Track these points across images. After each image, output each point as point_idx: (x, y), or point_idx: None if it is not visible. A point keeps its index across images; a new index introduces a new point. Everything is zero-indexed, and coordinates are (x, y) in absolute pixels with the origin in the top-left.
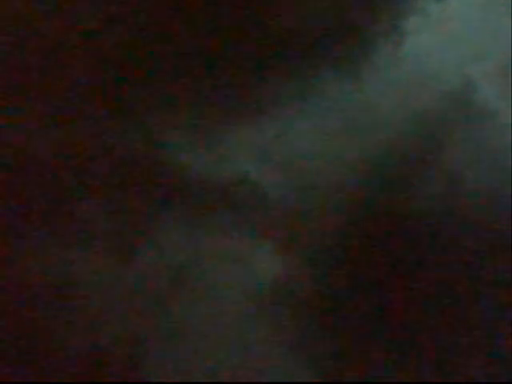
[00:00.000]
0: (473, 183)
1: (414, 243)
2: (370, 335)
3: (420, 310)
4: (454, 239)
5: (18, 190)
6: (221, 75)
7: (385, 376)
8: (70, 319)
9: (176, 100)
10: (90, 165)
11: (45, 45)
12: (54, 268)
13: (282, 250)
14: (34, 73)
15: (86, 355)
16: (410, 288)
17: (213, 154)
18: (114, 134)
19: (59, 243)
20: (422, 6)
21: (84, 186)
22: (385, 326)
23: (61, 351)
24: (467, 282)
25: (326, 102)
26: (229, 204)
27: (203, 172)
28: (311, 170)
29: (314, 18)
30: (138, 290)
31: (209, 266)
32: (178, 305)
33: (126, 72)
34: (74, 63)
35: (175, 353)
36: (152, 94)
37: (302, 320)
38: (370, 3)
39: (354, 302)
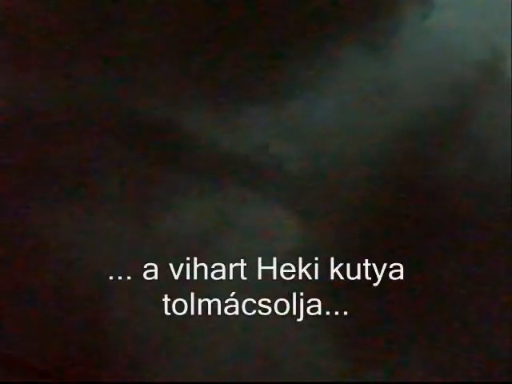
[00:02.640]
0: (498, 157)
1: (415, 239)
2: (372, 334)
3: (420, 310)
4: (455, 238)
5: (33, 152)
6: (238, 57)
7: (385, 376)
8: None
9: (189, 88)
10: (110, 137)
11: (45, 44)
12: (65, 231)
13: (299, 221)
14: (35, 73)
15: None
16: (410, 288)
17: (231, 130)
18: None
19: (74, 205)
20: None
21: (103, 156)
22: (384, 326)
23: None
24: (467, 282)
25: (352, 77)
26: (247, 176)
27: (221, 145)
28: (332, 145)
29: None
30: (155, 260)
31: (227, 236)
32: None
33: (128, 71)
34: (75, 63)
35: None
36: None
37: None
38: None
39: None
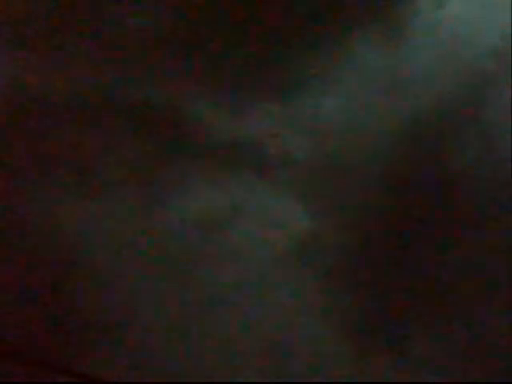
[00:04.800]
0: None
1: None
2: (372, 334)
3: (420, 310)
4: (455, 238)
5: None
6: (247, 53)
7: (385, 376)
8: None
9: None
10: (118, 122)
11: (44, 44)
12: (67, 219)
13: (308, 210)
14: (35, 73)
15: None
16: (409, 288)
17: (239, 120)
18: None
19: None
20: None
21: (108, 143)
22: (384, 325)
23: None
24: (467, 282)
25: (364, 69)
26: (257, 164)
27: (229, 133)
28: (342, 139)
29: None
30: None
31: (234, 225)
32: (202, 265)
33: (130, 71)
34: (75, 63)
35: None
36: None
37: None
38: None
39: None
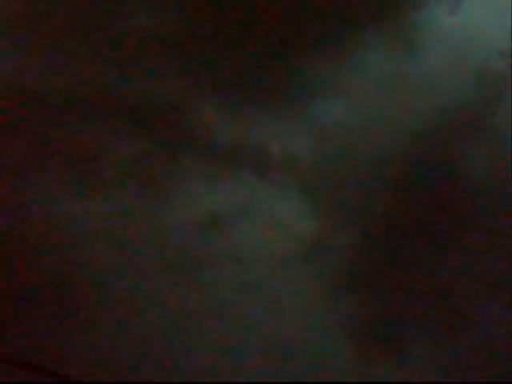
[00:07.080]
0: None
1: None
2: (372, 334)
3: (420, 310)
4: (455, 238)
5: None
6: (245, 47)
7: (385, 376)
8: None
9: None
10: (117, 122)
11: (44, 44)
12: (67, 219)
13: (310, 211)
14: (35, 73)
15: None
16: (410, 288)
17: (239, 120)
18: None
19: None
20: None
21: (108, 142)
22: (385, 325)
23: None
24: (467, 282)
25: (374, 73)
26: (256, 164)
27: (230, 134)
28: (344, 139)
29: None
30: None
31: (235, 225)
32: (203, 266)
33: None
34: (75, 63)
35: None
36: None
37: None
38: None
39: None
